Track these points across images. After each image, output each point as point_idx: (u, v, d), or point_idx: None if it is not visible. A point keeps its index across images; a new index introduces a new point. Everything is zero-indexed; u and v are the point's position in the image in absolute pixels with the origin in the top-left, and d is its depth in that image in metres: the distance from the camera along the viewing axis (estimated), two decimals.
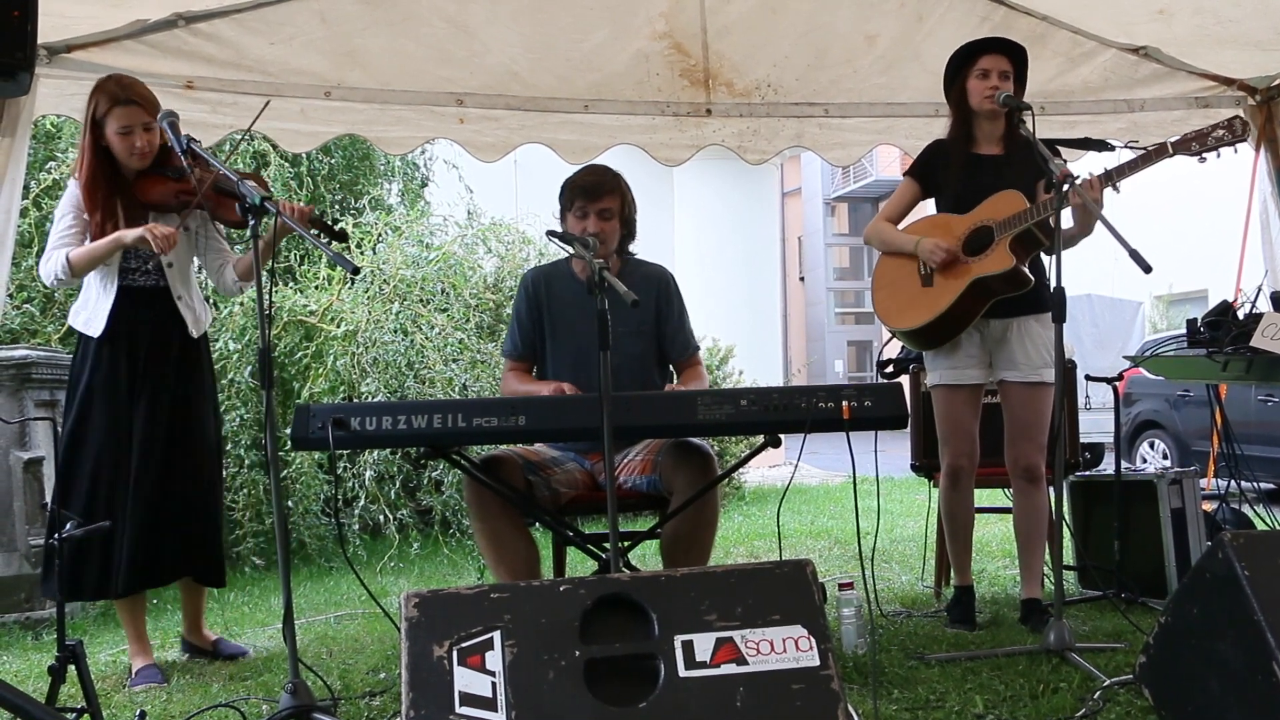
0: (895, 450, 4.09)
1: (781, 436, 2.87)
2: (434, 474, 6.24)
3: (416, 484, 6.42)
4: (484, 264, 7.49)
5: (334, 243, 3.37)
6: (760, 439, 2.92)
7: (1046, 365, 3.32)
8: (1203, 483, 4.59)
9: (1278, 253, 4.33)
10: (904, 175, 3.59)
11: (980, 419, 3.48)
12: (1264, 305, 3.65)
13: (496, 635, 1.85)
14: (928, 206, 3.55)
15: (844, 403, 2.63)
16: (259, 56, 3.96)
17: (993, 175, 3.34)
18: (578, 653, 1.85)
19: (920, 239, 3.38)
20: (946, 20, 4.10)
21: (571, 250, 2.99)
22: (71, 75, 3.70)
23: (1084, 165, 3.80)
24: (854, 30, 4.20)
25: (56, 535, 2.48)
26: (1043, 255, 3.39)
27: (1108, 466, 5.20)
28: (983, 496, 3.77)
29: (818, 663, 1.90)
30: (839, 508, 7.78)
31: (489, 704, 1.80)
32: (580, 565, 4.32)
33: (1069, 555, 4.02)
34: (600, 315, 2.48)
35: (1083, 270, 7.89)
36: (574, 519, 3.25)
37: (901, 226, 3.52)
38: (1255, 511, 4.44)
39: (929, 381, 3.54)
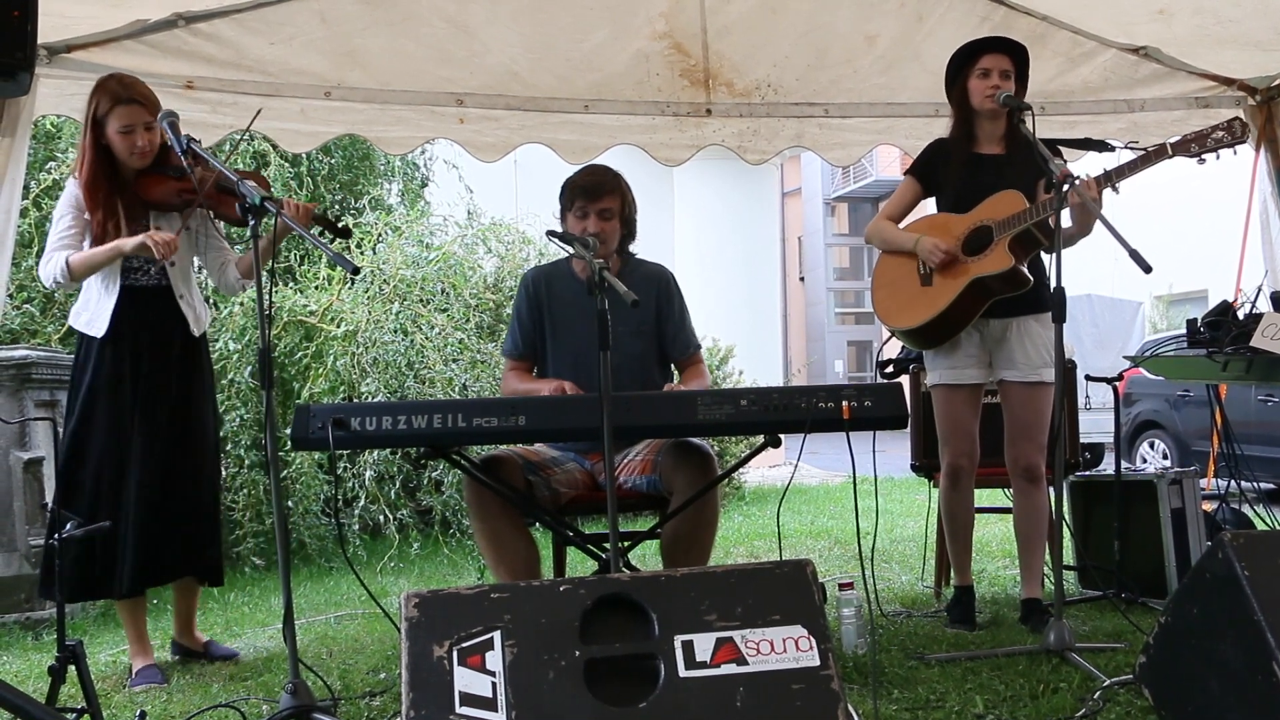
0: (895, 450, 4.10)
1: (781, 436, 2.88)
2: (434, 474, 6.24)
3: (416, 484, 6.42)
4: (484, 264, 7.49)
5: (338, 240, 3.37)
6: (760, 439, 2.92)
7: (1046, 365, 3.32)
8: (1203, 483, 4.59)
9: (1278, 253, 4.33)
10: (905, 174, 3.59)
11: (980, 419, 3.48)
12: (1264, 305, 3.65)
13: (496, 635, 1.85)
14: (929, 206, 3.55)
15: (844, 403, 2.63)
16: (259, 56, 3.96)
17: (993, 175, 3.34)
18: (578, 653, 1.85)
19: (920, 237, 3.38)
20: (946, 20, 4.10)
21: (572, 250, 2.99)
22: (71, 75, 3.70)
23: (1084, 165, 3.81)
24: (854, 30, 4.20)
25: (56, 535, 2.48)
26: (1043, 255, 3.39)
27: (1108, 466, 5.20)
28: (983, 496, 3.77)
29: (818, 663, 1.90)
30: (839, 508, 7.78)
31: (489, 704, 1.80)
32: (580, 565, 4.32)
33: (1069, 555, 4.02)
34: (600, 315, 2.48)
35: (1083, 270, 7.89)
36: (574, 519, 3.25)
37: (902, 226, 3.52)
38: (1255, 511, 4.44)
39: (929, 381, 3.54)
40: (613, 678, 1.85)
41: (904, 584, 4.48)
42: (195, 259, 3.52)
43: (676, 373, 3.42)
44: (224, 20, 3.84)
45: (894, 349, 4.18)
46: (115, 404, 3.25)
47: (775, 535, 5.90)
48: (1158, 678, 2.30)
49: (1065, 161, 3.33)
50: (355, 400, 5.96)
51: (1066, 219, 3.09)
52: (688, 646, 1.88)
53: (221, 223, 3.52)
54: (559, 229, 3.21)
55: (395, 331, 6.31)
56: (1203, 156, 3.08)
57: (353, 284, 6.49)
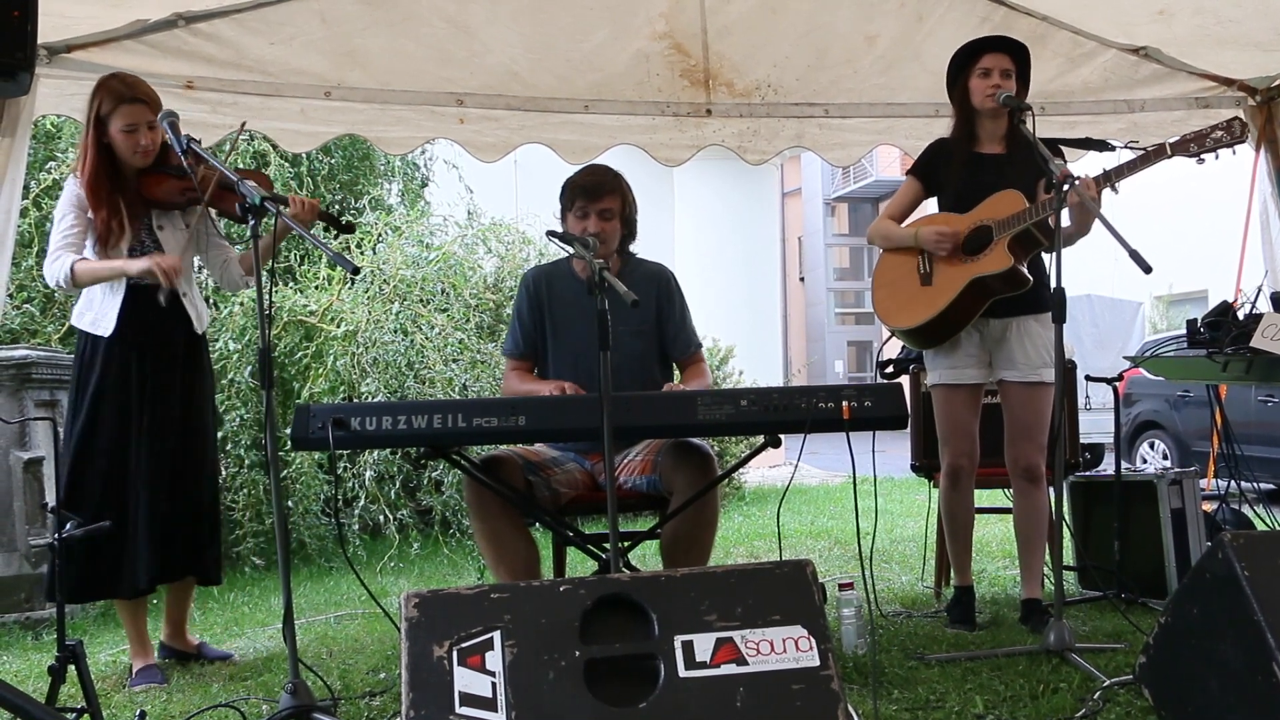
0: (895, 450, 4.09)
1: (781, 437, 2.88)
2: (434, 474, 6.24)
3: (416, 484, 6.42)
4: (484, 264, 7.50)
5: (342, 235, 3.36)
6: (760, 439, 2.92)
7: (1046, 365, 3.32)
8: (1203, 483, 4.59)
9: (1278, 253, 4.33)
10: (906, 175, 3.59)
11: (980, 419, 3.48)
12: (1264, 306, 3.65)
13: (496, 635, 1.85)
14: (930, 206, 3.55)
15: (844, 403, 2.63)
16: (259, 56, 3.96)
17: (994, 174, 3.34)
18: (578, 653, 1.85)
19: (919, 230, 3.39)
20: (946, 20, 4.10)
21: (572, 250, 2.99)
22: (71, 75, 3.70)
23: (1084, 165, 3.80)
24: (854, 30, 4.20)
25: (56, 536, 2.48)
26: (1043, 255, 3.39)
27: (1108, 467, 5.20)
28: (983, 496, 3.77)
29: (818, 663, 1.90)
30: (839, 508, 7.78)
31: (489, 704, 1.80)
32: (580, 565, 4.32)
33: (1069, 555, 4.02)
34: (600, 315, 2.48)
35: (1083, 270, 7.90)
36: (574, 519, 3.25)
37: (904, 225, 3.52)
38: (1255, 512, 4.44)
39: (929, 381, 3.54)
40: (613, 678, 1.85)
41: (904, 584, 4.48)
42: (196, 258, 3.52)
43: (678, 372, 3.42)
44: (224, 20, 3.84)
45: (894, 349, 4.18)
46: (123, 403, 3.25)
47: (775, 535, 5.90)
48: (1158, 678, 2.30)
49: (1066, 161, 3.34)
50: (355, 400, 5.96)
51: (1065, 219, 3.09)
52: (688, 647, 1.88)
53: (221, 221, 3.53)
54: (559, 229, 3.21)
55: (395, 331, 6.31)
56: (1202, 157, 3.09)
57: (353, 284, 6.49)
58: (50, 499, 3.47)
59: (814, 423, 2.62)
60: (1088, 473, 4.48)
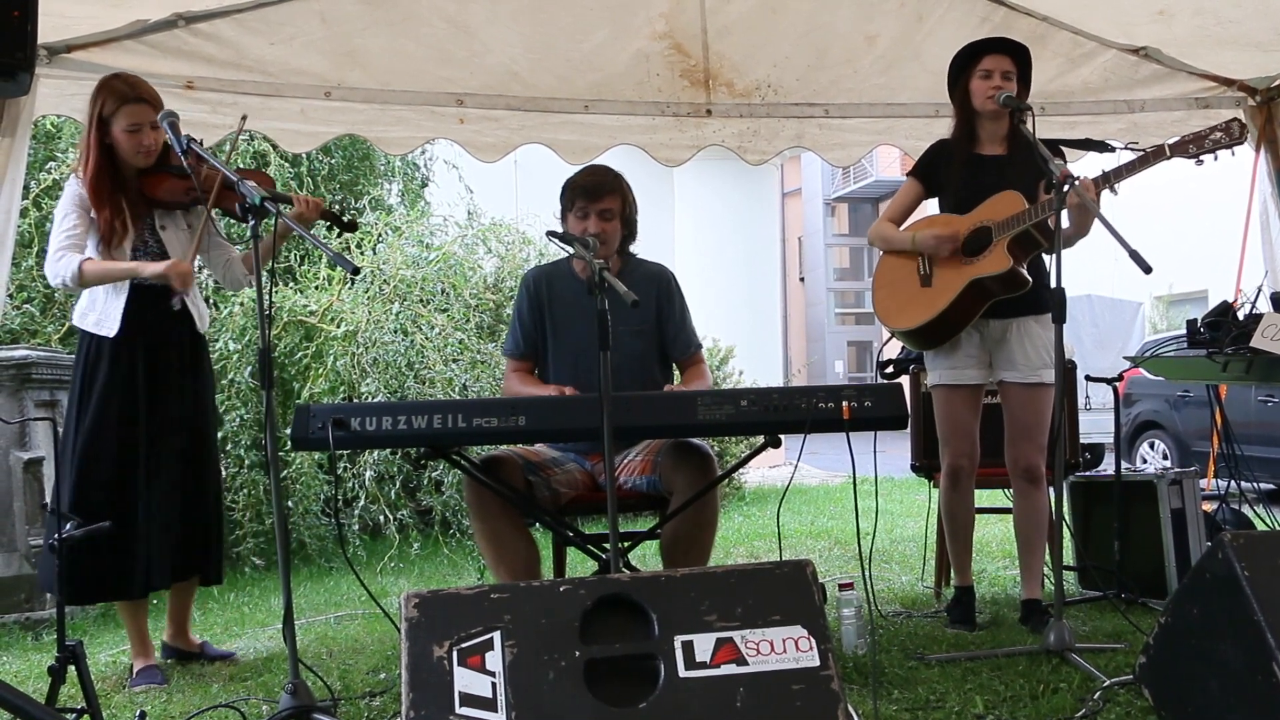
0: (895, 450, 4.09)
1: (781, 437, 2.88)
2: (434, 474, 6.24)
3: (416, 484, 6.42)
4: (484, 264, 7.50)
5: (345, 233, 3.36)
6: (760, 439, 2.92)
7: (1046, 366, 3.32)
8: (1203, 483, 4.59)
9: (1278, 253, 4.33)
10: (907, 176, 3.59)
11: (980, 419, 3.48)
12: (1264, 306, 3.65)
13: (496, 635, 1.85)
14: (931, 207, 3.55)
15: (844, 403, 2.63)
16: (259, 56, 3.96)
17: (995, 175, 3.34)
18: (578, 653, 1.85)
19: (916, 234, 3.39)
20: (946, 20, 4.10)
21: (572, 251, 2.99)
22: (71, 75, 3.71)
23: (1084, 166, 3.80)
24: (854, 30, 4.20)
25: (56, 536, 2.48)
26: (1043, 256, 3.39)
27: (1108, 467, 5.20)
28: (983, 497, 3.77)
29: (818, 663, 1.90)
30: (839, 508, 7.78)
31: (489, 704, 1.80)
32: (580, 565, 4.32)
33: (1069, 555, 4.02)
34: (600, 315, 2.48)
35: (1082, 271, 7.89)
36: (574, 519, 3.25)
37: (904, 227, 3.52)
38: (1255, 512, 4.44)
39: (929, 381, 3.54)
40: (613, 678, 1.85)
41: (904, 584, 4.48)
42: (197, 258, 3.52)
43: (678, 372, 3.42)
44: (224, 20, 3.84)
45: (894, 349, 4.18)
46: (127, 404, 3.25)
47: (775, 535, 5.89)
48: (1158, 678, 2.30)
49: (1067, 162, 3.33)
50: (355, 400, 5.96)
51: (1065, 220, 3.09)
52: (688, 647, 1.88)
53: (222, 221, 3.53)
54: (559, 229, 3.21)
55: (395, 332, 6.31)
56: (1200, 158, 3.09)
57: (353, 284, 6.49)
58: (50, 499, 3.47)
59: (814, 423, 2.62)
60: (1088, 473, 4.48)
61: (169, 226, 3.35)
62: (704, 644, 1.89)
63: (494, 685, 1.81)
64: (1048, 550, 3.49)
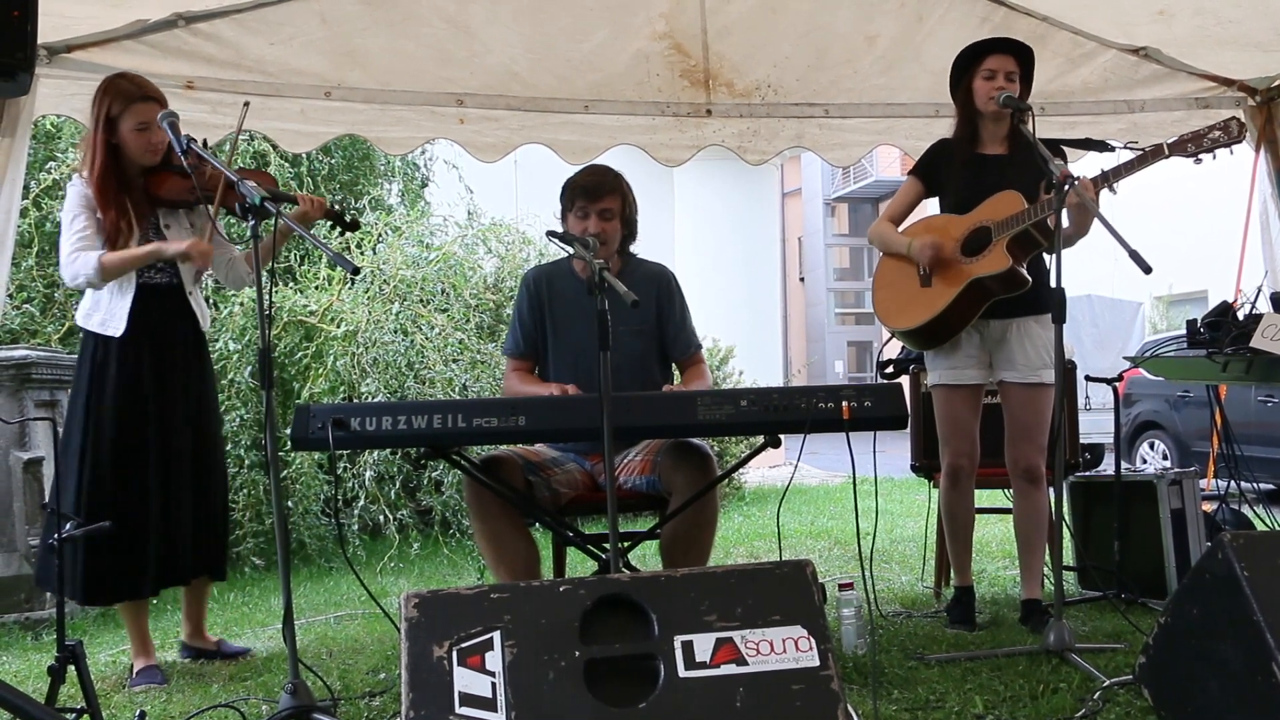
0: (895, 450, 4.09)
1: (781, 437, 2.87)
2: (434, 474, 6.24)
3: (416, 484, 6.42)
4: (484, 264, 7.50)
5: (348, 232, 3.37)
6: (760, 439, 2.92)
7: (1046, 366, 3.32)
8: (1202, 483, 4.59)
9: (1278, 253, 4.33)
10: (908, 175, 3.59)
11: (980, 419, 3.48)
12: (1264, 306, 3.65)
13: (496, 635, 1.85)
14: (931, 206, 3.55)
15: (844, 403, 2.63)
16: (259, 56, 3.96)
17: (996, 175, 3.34)
18: (578, 653, 1.85)
19: (912, 242, 3.39)
20: (946, 21, 4.10)
21: (572, 250, 2.99)
22: (71, 75, 3.71)
23: (1083, 166, 3.80)
24: (854, 30, 4.20)
25: (56, 536, 2.48)
26: (1044, 255, 3.39)
27: (1108, 467, 5.20)
28: (983, 497, 3.77)
29: (818, 663, 1.90)
30: (839, 508, 7.78)
31: (489, 704, 1.80)
32: (580, 565, 4.32)
33: (1069, 556, 4.02)
34: (600, 315, 2.48)
35: (1082, 271, 7.89)
36: (574, 519, 3.25)
37: (904, 226, 3.52)
38: (1255, 512, 4.44)
39: (929, 381, 3.54)
40: (613, 678, 1.85)
41: (904, 584, 4.48)
42: None
43: (678, 372, 3.42)
44: (224, 20, 3.84)
45: (894, 349, 4.18)
46: (136, 403, 3.26)
47: (775, 535, 5.90)
48: (1157, 678, 2.30)
49: (1068, 162, 3.33)
50: (355, 400, 5.96)
51: (1064, 219, 3.09)
52: (687, 647, 1.88)
53: (223, 222, 3.53)
54: (559, 229, 3.21)
55: (395, 332, 6.31)
56: (1199, 156, 3.09)
57: (353, 284, 6.49)
58: (50, 499, 3.47)
59: (814, 423, 2.62)
60: (1088, 473, 4.48)
61: (173, 225, 3.35)
62: (704, 644, 1.89)
63: (494, 685, 1.81)
64: (1048, 550, 3.49)
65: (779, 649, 1.90)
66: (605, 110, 4.42)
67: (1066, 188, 2.96)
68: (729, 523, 7.16)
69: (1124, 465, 3.98)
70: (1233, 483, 4.13)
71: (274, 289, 5.95)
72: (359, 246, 6.79)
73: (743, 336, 10.41)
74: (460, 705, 1.79)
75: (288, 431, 2.68)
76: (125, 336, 3.24)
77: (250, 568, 5.81)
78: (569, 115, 4.40)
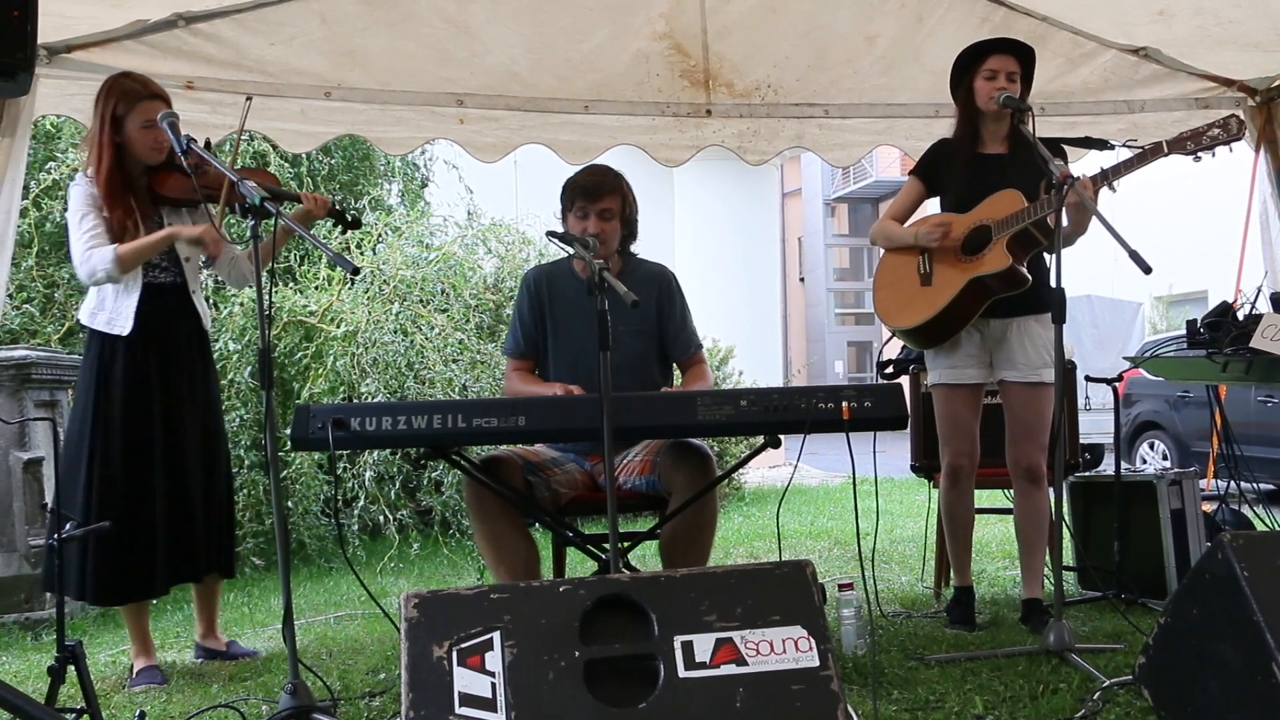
0: (895, 450, 4.09)
1: (781, 437, 2.87)
2: (434, 474, 6.24)
3: (416, 484, 6.42)
4: (484, 264, 7.50)
5: (350, 230, 3.37)
6: (760, 439, 2.92)
7: (1046, 366, 3.32)
8: (1202, 483, 4.59)
9: (1278, 253, 4.33)
10: (909, 175, 3.59)
11: (980, 419, 3.48)
12: (1264, 306, 3.65)
13: (496, 636, 1.85)
14: (932, 206, 3.55)
15: (844, 403, 2.63)
16: (259, 56, 3.96)
17: (996, 175, 3.34)
18: (577, 653, 1.85)
19: (918, 229, 3.39)
20: (947, 21, 4.10)
21: (572, 250, 2.99)
22: (71, 75, 3.71)
23: (1083, 165, 3.81)
24: (854, 31, 4.20)
25: (55, 536, 2.48)
26: (1044, 255, 3.39)
27: (1108, 467, 5.20)
28: (983, 497, 3.77)
29: (817, 663, 1.90)
30: (839, 508, 7.78)
31: (489, 704, 1.80)
32: (580, 566, 4.32)
33: (1069, 556, 4.02)
34: (600, 315, 2.48)
35: (1082, 271, 7.90)
36: (574, 519, 3.25)
37: (905, 226, 3.52)
38: (1255, 512, 4.44)
39: (929, 381, 3.55)
40: (612, 678, 1.85)
41: (904, 584, 4.48)
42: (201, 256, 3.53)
43: (678, 372, 3.42)
44: (224, 20, 3.84)
45: (894, 349, 4.18)
46: (143, 402, 3.26)
47: (775, 536, 5.90)
48: (1157, 678, 2.30)
49: (1069, 162, 3.33)
50: (355, 400, 5.96)
51: (1064, 219, 3.09)
52: (687, 647, 1.88)
53: (224, 222, 3.53)
54: (559, 229, 3.21)
55: (395, 332, 6.31)
56: (1199, 154, 3.08)
57: (353, 284, 6.49)
58: (50, 499, 3.47)
59: (814, 423, 2.62)
60: (1088, 473, 4.48)
61: (176, 224, 3.35)
62: (704, 644, 1.89)
63: (494, 685, 1.81)
64: (1048, 550, 3.49)
65: (779, 649, 1.90)
66: (605, 110, 4.42)
67: (1066, 188, 2.96)
68: (729, 523, 7.16)
69: (1124, 465, 3.98)
70: (1233, 483, 4.13)
71: (274, 289, 5.95)
72: (359, 246, 6.79)
73: (743, 336, 10.41)
74: (460, 705, 1.79)
75: (288, 431, 2.68)
76: (131, 336, 3.24)
77: (250, 568, 5.81)
78: (569, 115, 4.40)
